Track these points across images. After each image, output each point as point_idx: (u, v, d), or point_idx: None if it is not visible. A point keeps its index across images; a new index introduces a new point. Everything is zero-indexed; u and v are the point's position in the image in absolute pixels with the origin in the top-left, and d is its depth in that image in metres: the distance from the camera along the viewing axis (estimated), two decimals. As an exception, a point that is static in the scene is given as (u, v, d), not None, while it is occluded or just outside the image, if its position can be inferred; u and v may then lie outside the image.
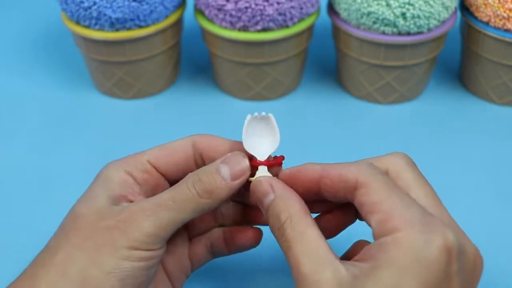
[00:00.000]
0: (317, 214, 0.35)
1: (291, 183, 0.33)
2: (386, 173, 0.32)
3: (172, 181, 0.36)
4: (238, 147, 0.35)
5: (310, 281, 0.28)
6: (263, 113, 0.34)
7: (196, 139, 0.36)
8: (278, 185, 0.32)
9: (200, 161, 0.36)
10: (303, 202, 0.32)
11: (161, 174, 0.36)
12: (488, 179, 0.50)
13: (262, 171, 0.34)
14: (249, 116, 0.34)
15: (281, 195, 0.32)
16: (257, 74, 0.56)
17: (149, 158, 0.36)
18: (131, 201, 0.34)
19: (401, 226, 0.28)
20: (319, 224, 0.33)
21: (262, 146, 0.34)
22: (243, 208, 0.38)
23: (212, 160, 0.35)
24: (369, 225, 0.30)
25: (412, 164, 0.33)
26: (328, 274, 0.28)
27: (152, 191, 0.36)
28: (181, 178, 0.36)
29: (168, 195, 0.33)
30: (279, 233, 0.31)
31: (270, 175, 0.34)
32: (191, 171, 0.36)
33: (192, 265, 0.38)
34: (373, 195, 0.30)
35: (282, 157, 0.34)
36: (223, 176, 0.33)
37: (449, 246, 0.28)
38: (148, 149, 0.36)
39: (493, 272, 0.42)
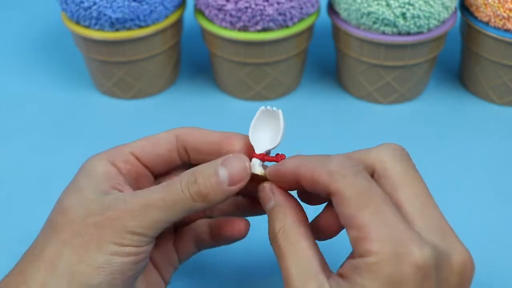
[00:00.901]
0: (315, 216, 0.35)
1: (278, 180, 0.32)
2: (372, 170, 0.31)
3: (155, 172, 0.36)
4: (224, 138, 0.34)
5: None
6: (274, 108, 0.34)
7: (179, 131, 0.36)
8: (278, 192, 0.32)
9: (184, 153, 0.36)
10: (300, 211, 0.31)
11: (144, 165, 0.36)
12: (488, 179, 0.50)
13: (255, 164, 0.33)
14: (262, 108, 0.34)
15: (279, 202, 0.32)
16: (257, 74, 0.56)
17: (131, 149, 0.35)
18: (119, 190, 0.34)
19: (373, 248, 0.27)
20: (317, 223, 0.33)
21: (264, 140, 0.34)
22: (234, 199, 0.37)
23: (196, 150, 0.35)
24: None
25: (403, 157, 0.31)
26: None
27: (135, 182, 0.35)
28: (163, 170, 0.36)
29: (159, 195, 0.32)
30: (273, 242, 0.31)
31: (261, 169, 0.33)
32: (174, 163, 0.36)
33: (178, 257, 0.37)
34: (346, 207, 0.28)
35: (283, 156, 0.34)
36: (221, 179, 0.31)
37: (421, 264, 0.27)
38: (133, 141, 0.36)
39: (492, 271, 0.42)
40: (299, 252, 0.29)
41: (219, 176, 0.31)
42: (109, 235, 0.31)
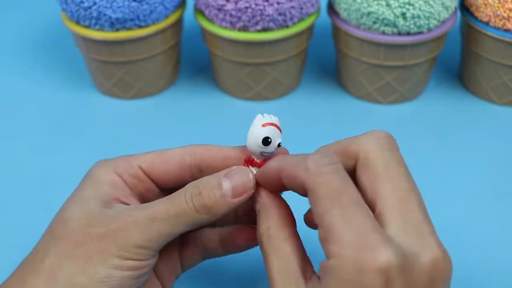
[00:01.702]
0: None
1: (264, 182, 0.32)
2: (355, 159, 0.30)
3: (162, 187, 0.35)
4: (238, 154, 0.34)
5: None
6: (271, 115, 0.33)
7: (195, 150, 0.35)
8: (263, 194, 0.32)
9: (197, 171, 0.35)
10: (286, 212, 0.31)
11: (152, 180, 0.35)
12: (488, 179, 0.50)
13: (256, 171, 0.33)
14: (258, 115, 0.32)
15: (264, 205, 0.31)
16: (257, 74, 0.56)
17: (140, 163, 0.34)
18: (124, 203, 0.33)
19: (335, 250, 0.26)
20: (310, 214, 0.32)
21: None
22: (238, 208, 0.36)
23: (211, 168, 0.34)
24: None
25: (388, 147, 0.30)
26: None
27: (141, 197, 0.35)
28: (172, 186, 0.35)
29: (163, 206, 0.31)
30: (259, 244, 0.31)
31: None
32: (184, 180, 0.35)
33: (182, 266, 0.37)
34: (317, 205, 0.28)
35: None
36: (224, 191, 0.31)
37: (384, 268, 0.26)
38: (142, 153, 0.35)
39: (492, 271, 0.42)
40: (280, 255, 0.29)
41: (223, 188, 0.31)
42: (112, 248, 0.31)
